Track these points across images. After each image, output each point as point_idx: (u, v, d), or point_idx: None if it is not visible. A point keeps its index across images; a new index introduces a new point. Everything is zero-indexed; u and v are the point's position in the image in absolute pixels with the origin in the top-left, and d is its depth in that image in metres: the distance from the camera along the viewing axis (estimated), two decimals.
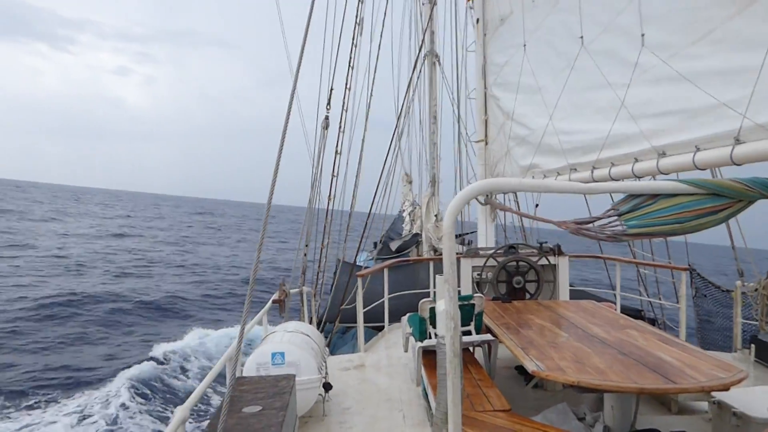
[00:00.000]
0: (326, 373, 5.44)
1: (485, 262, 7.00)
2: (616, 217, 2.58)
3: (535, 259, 6.97)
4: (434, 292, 8.30)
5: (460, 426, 2.29)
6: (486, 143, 9.05)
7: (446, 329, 2.30)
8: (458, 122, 13.67)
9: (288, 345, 5.12)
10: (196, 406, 3.31)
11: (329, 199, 8.81)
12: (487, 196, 7.42)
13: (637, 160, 4.12)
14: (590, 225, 2.58)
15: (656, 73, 3.80)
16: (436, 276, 5.80)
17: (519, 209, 11.16)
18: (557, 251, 7.08)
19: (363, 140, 10.97)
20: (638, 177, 4.10)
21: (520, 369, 6.24)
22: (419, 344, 5.58)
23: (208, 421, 3.59)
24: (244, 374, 4.89)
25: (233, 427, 3.43)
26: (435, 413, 2.53)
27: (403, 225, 19.95)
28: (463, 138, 13.67)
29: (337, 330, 9.64)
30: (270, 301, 6.56)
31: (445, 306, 2.33)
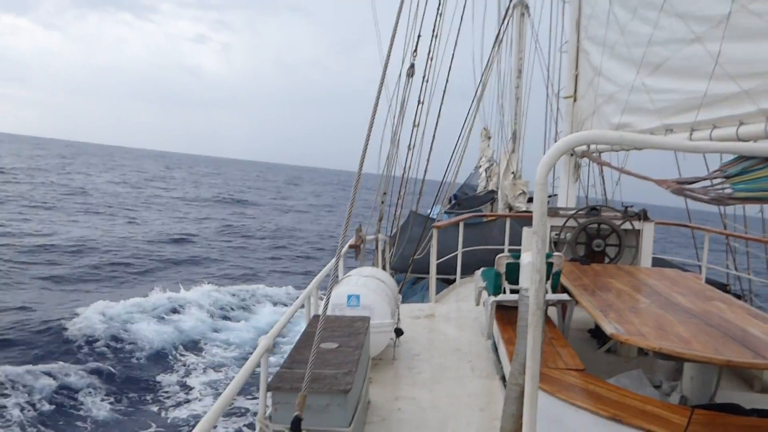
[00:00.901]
0: (398, 319, 5.54)
1: (565, 222, 6.84)
2: (722, 180, 2.43)
3: (618, 222, 6.74)
4: (509, 249, 8.22)
5: (537, 378, 2.28)
6: (575, 99, 8.73)
7: (531, 282, 2.27)
8: (547, 76, 13.17)
9: (363, 288, 5.23)
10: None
11: (409, 148, 8.78)
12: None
13: (742, 123, 3.85)
14: (693, 185, 2.45)
15: (761, 26, 3.49)
16: (524, 228, 5.71)
17: (602, 171, 10.77)
18: (643, 216, 6.80)
19: (444, 91, 10.78)
20: (743, 141, 3.84)
21: (594, 332, 6.14)
22: (493, 299, 5.57)
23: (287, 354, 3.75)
24: (318, 313, 5.05)
25: (312, 360, 3.56)
26: (512, 364, 2.53)
27: (478, 181, 19.69)
28: (550, 93, 13.18)
29: (407, 280, 9.75)
30: (346, 245, 6.68)
31: (531, 258, 2.30)
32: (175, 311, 13.54)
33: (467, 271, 8.54)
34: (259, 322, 13.57)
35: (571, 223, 6.82)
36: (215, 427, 2.35)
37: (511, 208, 13.61)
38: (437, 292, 8.01)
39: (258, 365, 3.25)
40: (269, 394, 3.29)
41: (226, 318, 13.90)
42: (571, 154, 8.16)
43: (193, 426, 2.31)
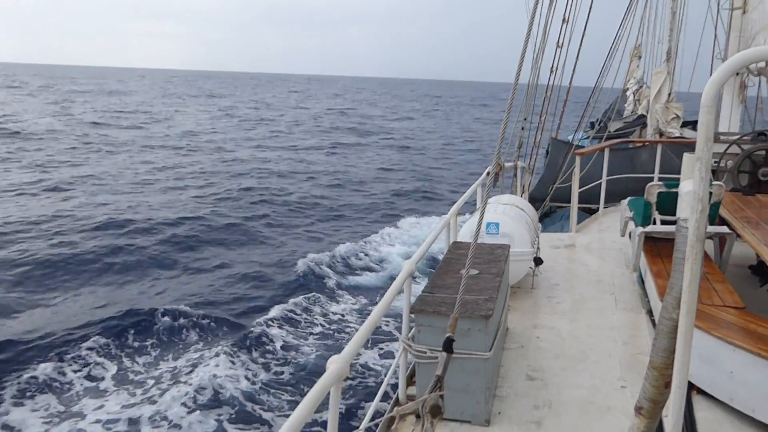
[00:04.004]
0: (537, 248, 5.46)
1: (726, 149, 6.25)
2: None
3: None
4: (659, 178, 7.69)
5: (694, 314, 2.16)
6: (744, 11, 7.78)
7: (692, 211, 2.11)
8: None
9: (502, 216, 5.18)
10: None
11: (552, 71, 8.32)
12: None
13: None
14: None
15: None
16: (685, 154, 5.32)
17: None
18: None
19: (590, 8, 10.00)
20: None
21: (756, 269, 5.66)
22: (641, 229, 5.29)
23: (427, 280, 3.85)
24: (459, 240, 5.09)
25: (452, 285, 3.63)
26: (666, 298, 2.41)
27: (626, 105, 18.39)
28: (713, 5, 11.78)
29: (546, 208, 9.50)
30: (485, 173, 6.59)
31: (693, 186, 2.13)
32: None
33: (611, 200, 8.14)
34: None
35: (734, 149, 6.21)
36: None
37: (662, 134, 12.63)
38: (578, 222, 7.74)
39: (401, 290, 3.37)
40: (412, 316, 3.42)
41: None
42: (738, 73, 7.35)
43: (346, 342, 2.47)
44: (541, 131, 9.14)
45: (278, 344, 8.30)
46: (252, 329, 8.58)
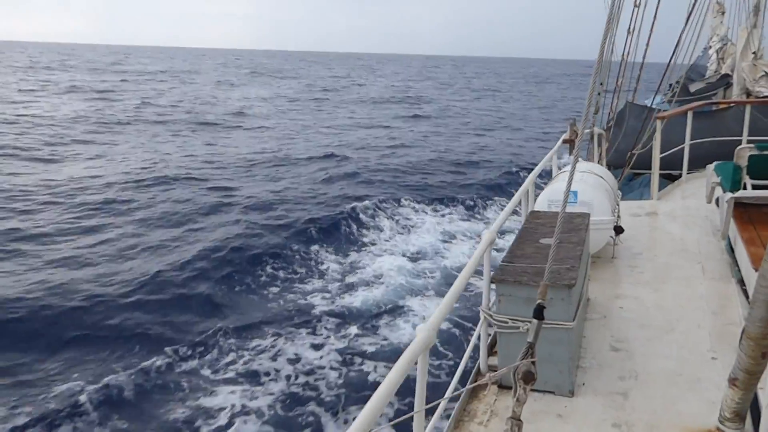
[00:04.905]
0: (618, 216, 5.30)
1: None
2: None
3: None
4: (748, 141, 7.27)
5: None
6: None
7: None
8: None
9: (581, 184, 5.05)
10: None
11: (629, 32, 7.95)
12: None
13: None
14: None
15: None
16: None
17: None
18: None
19: None
20: None
21: None
22: (730, 195, 5.03)
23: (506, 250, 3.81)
24: (535, 209, 5.01)
25: (532, 255, 3.59)
26: (763, 265, 2.30)
27: (707, 64, 17.35)
28: None
29: (626, 176, 9.17)
30: (560, 140, 6.43)
31: None
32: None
33: (695, 165, 7.76)
34: None
35: None
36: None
37: (749, 94, 11.89)
38: (659, 189, 7.44)
39: (482, 259, 3.35)
40: (492, 285, 3.40)
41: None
42: None
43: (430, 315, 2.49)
44: (618, 96, 8.78)
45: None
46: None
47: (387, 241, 12.19)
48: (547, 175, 7.09)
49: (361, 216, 13.47)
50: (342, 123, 31.53)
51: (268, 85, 60.71)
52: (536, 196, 5.40)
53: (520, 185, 4.99)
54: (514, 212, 4.47)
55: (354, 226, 12.89)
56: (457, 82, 75.78)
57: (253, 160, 20.24)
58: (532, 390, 3.34)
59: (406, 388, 2.21)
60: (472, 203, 15.49)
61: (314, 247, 11.45)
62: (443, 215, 14.34)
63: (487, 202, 15.75)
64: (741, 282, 4.58)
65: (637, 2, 8.24)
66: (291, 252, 11.06)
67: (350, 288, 9.54)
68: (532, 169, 5.52)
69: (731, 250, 5.07)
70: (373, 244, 11.90)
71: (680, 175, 7.89)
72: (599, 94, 7.54)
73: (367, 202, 14.16)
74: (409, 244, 11.90)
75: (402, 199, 15.07)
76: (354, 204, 13.97)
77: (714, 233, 5.76)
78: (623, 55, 8.41)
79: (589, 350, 3.77)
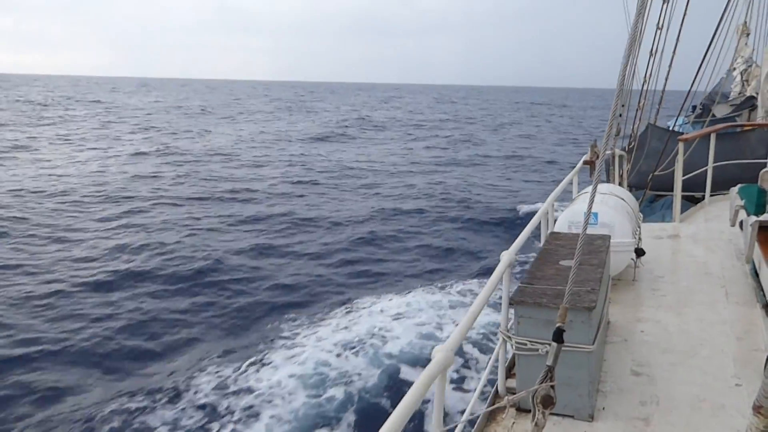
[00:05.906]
0: (639, 239, 5.24)
1: None
2: None
3: None
4: None
5: None
6: None
7: None
8: None
9: (601, 206, 5.01)
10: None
11: (651, 54, 7.92)
12: None
13: None
14: None
15: None
16: None
17: None
18: None
19: None
20: None
21: None
22: (755, 218, 4.95)
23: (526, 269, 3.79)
24: (555, 230, 4.97)
25: (552, 277, 3.56)
26: None
27: (731, 86, 17.21)
28: None
29: (646, 198, 9.08)
30: (581, 162, 6.40)
31: None
32: None
33: (717, 188, 7.67)
34: None
35: None
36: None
37: None
38: (681, 211, 7.36)
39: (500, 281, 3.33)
40: (512, 308, 3.38)
41: None
42: None
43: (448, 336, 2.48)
44: (639, 118, 8.74)
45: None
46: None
47: None
48: (567, 197, 7.06)
49: None
50: None
51: None
52: (556, 217, 5.37)
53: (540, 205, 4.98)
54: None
55: None
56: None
57: None
58: (551, 414, 3.31)
59: (423, 410, 2.20)
60: None
61: None
62: None
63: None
64: (766, 307, 4.49)
65: (660, 24, 8.21)
66: None
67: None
68: (552, 191, 5.49)
69: (756, 274, 4.98)
70: None
71: (703, 198, 7.80)
72: (620, 115, 7.50)
73: None
74: None
75: None
76: None
77: (738, 257, 5.67)
78: (645, 76, 8.38)
79: (610, 374, 3.71)
